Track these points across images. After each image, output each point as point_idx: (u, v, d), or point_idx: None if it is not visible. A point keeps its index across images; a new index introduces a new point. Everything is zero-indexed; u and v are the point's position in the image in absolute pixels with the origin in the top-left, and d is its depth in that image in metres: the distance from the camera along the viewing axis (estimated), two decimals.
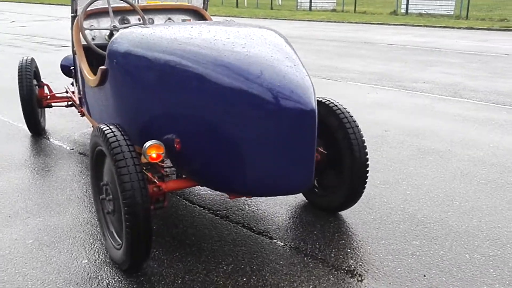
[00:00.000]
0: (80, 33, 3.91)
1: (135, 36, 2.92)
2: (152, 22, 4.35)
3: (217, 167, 2.54)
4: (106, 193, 2.79)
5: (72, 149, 4.85)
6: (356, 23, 19.70)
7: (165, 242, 3.06)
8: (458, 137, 5.20)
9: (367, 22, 19.68)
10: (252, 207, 3.53)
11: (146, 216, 2.46)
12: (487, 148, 4.85)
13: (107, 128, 2.65)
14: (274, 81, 2.29)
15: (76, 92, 4.55)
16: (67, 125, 5.62)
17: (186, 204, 3.62)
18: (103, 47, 3.62)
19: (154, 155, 2.60)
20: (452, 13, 21.24)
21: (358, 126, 3.11)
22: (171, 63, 2.59)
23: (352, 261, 2.85)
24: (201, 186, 2.87)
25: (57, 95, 5.26)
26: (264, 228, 3.24)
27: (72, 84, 4.98)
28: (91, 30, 4.15)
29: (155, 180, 2.76)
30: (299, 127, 2.34)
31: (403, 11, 22.51)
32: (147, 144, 2.59)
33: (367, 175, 3.17)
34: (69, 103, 5.19)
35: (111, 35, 4.13)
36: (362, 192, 3.24)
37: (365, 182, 3.18)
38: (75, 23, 4.06)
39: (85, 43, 3.90)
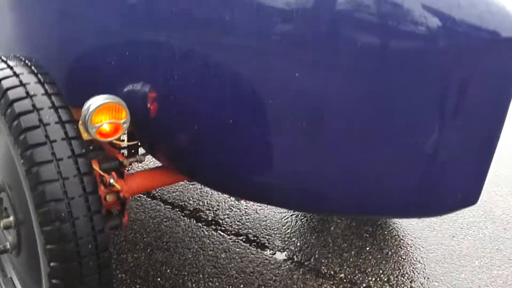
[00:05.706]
0: None
1: None
2: None
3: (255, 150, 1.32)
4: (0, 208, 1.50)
5: None
6: None
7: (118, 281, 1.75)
8: None
9: None
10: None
11: (106, 269, 1.24)
12: None
13: (2, 64, 1.30)
14: None
15: None
16: None
17: (144, 199, 2.29)
18: None
19: (106, 127, 1.28)
20: None
21: None
22: None
23: None
24: (192, 182, 1.70)
25: None
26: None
27: None
28: None
29: (108, 178, 1.45)
30: (486, 72, 1.15)
31: None
32: (94, 102, 1.24)
33: None
34: None
35: None
36: None
37: None
38: None
39: None
